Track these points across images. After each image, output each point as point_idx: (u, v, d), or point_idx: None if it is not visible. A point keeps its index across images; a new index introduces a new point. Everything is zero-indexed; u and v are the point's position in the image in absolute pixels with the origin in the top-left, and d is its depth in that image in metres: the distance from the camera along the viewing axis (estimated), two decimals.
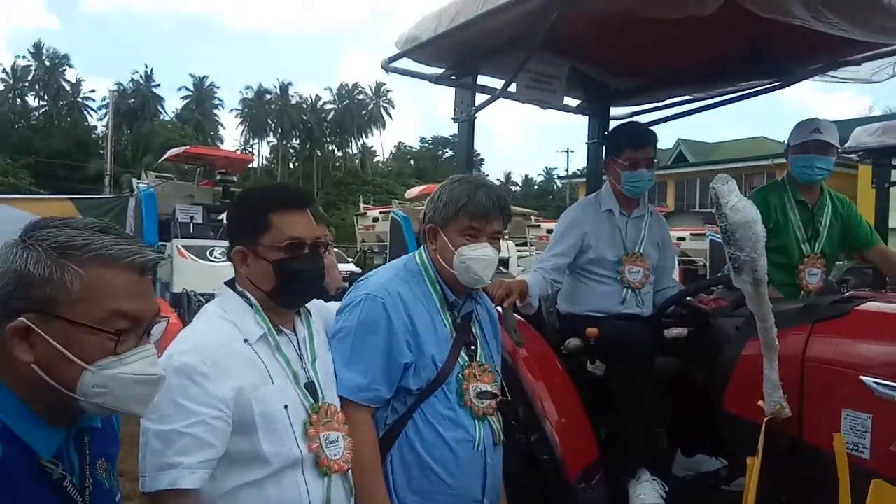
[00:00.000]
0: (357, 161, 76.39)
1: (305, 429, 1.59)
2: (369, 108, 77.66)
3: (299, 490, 1.55)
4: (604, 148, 3.38)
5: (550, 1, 2.35)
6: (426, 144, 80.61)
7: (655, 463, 2.61)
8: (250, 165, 72.51)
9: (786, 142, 3.13)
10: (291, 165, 76.21)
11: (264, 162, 77.28)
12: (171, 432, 1.43)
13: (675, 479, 2.67)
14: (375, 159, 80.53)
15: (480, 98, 3.22)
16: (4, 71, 67.08)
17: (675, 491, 2.53)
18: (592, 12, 2.54)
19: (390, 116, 78.69)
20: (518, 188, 79.85)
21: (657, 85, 3.43)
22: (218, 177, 9.81)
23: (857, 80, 2.96)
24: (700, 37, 2.78)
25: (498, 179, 79.36)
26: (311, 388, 1.66)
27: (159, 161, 12.47)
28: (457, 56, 3.10)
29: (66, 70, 69.91)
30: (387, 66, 3.14)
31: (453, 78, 3.24)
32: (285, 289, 1.65)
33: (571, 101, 3.79)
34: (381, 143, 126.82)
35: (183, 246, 8.07)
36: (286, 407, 1.58)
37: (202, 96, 74.55)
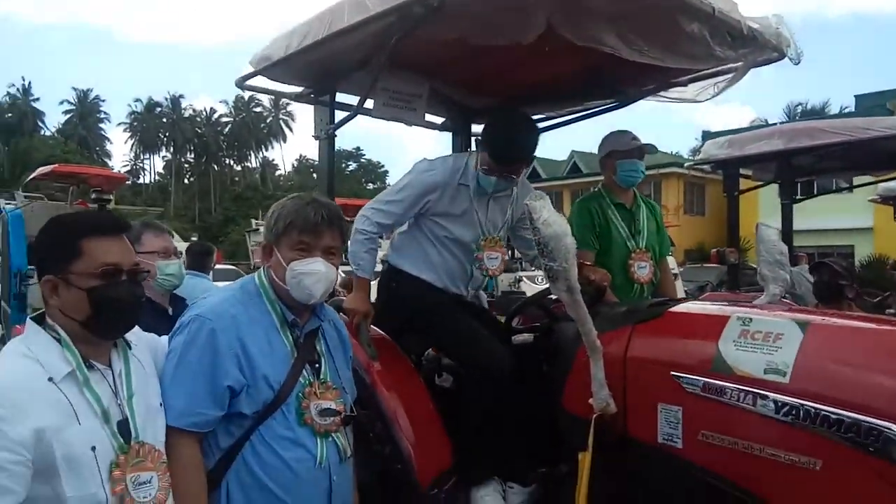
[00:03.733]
0: (257, 175, 74.57)
1: (111, 470, 1.54)
2: (268, 120, 76.09)
3: None
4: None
5: (388, 26, 2.44)
6: None
7: (511, 466, 2.73)
8: (142, 181, 69.58)
9: (601, 153, 3.42)
10: (186, 181, 73.40)
11: (157, 178, 74.09)
12: None
13: (529, 480, 2.78)
14: (277, 173, 78.95)
15: (341, 115, 3.29)
16: None
17: (525, 490, 2.67)
18: (435, 37, 2.65)
19: (290, 129, 77.45)
20: None
21: (512, 104, 3.60)
22: (93, 196, 9.33)
23: (684, 100, 3.23)
24: (542, 60, 2.95)
25: None
26: (123, 426, 1.60)
27: (27, 180, 11.70)
28: (312, 75, 3.15)
29: None
30: (241, 84, 3.15)
31: (312, 96, 3.29)
32: (101, 318, 1.59)
33: (436, 119, 3.91)
34: (283, 156, 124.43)
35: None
36: (93, 448, 1.51)
37: (86, 110, 70.69)
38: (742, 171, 5.84)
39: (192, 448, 1.81)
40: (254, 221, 21.34)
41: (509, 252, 3.08)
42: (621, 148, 3.31)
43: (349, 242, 2.74)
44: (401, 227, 3.03)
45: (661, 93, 3.29)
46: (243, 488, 1.85)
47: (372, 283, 2.91)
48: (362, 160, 75.95)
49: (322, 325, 2.10)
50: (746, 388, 1.92)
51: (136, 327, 1.79)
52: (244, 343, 1.87)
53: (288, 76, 3.15)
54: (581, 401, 2.28)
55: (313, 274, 1.93)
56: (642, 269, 3.24)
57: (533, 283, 15.08)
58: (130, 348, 1.74)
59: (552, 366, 2.69)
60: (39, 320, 1.64)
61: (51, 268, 1.60)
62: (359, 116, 3.24)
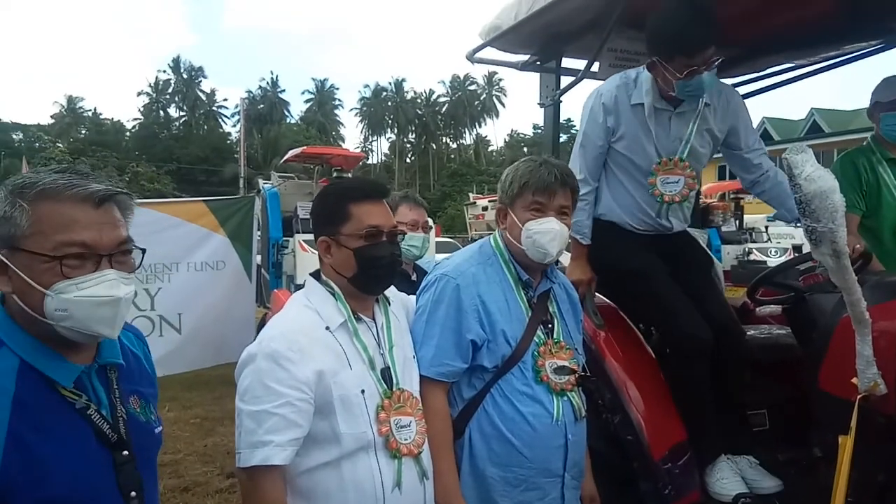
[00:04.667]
0: (471, 152, 77.04)
1: (378, 413, 1.68)
2: (482, 97, 78.07)
3: (372, 471, 1.64)
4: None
5: None
6: (539, 130, 79.70)
7: (752, 444, 2.54)
8: (369, 161, 75.50)
9: (870, 102, 2.93)
10: (408, 160, 78.10)
11: (383, 157, 79.74)
12: (262, 412, 1.56)
13: (775, 461, 2.58)
14: (489, 148, 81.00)
15: (566, 81, 3.25)
16: (149, 85, 73.64)
17: (772, 472, 2.47)
18: None
19: (503, 105, 78.79)
20: None
21: (752, 54, 3.28)
22: (334, 174, 10.32)
23: None
24: (787, 3, 2.65)
25: None
26: (386, 373, 1.74)
27: (281, 162, 13.33)
28: (539, 41, 3.15)
29: (201, 81, 75.73)
30: (471, 58, 3.24)
31: (538, 63, 3.29)
32: (365, 274, 1.75)
33: None
34: (495, 132, 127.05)
35: (304, 241, 8.52)
36: (363, 391, 1.67)
37: (323, 98, 78.24)
38: None
39: (440, 396, 1.93)
40: (471, 195, 22.15)
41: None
42: (885, 98, 2.85)
43: None
44: None
45: None
46: (484, 438, 1.94)
47: None
48: (573, 131, 74.96)
49: (553, 287, 2.12)
50: None
51: (393, 287, 1.96)
52: (483, 300, 1.96)
53: (515, 44, 3.19)
54: (841, 380, 2.04)
55: (548, 233, 1.96)
56: None
57: (765, 256, 13.81)
58: (389, 304, 1.90)
59: (804, 341, 2.44)
60: (317, 276, 1.84)
61: (325, 230, 1.79)
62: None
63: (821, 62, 3.26)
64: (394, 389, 1.74)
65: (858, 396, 1.95)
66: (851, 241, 2.43)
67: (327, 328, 1.71)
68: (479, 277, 2.00)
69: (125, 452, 1.26)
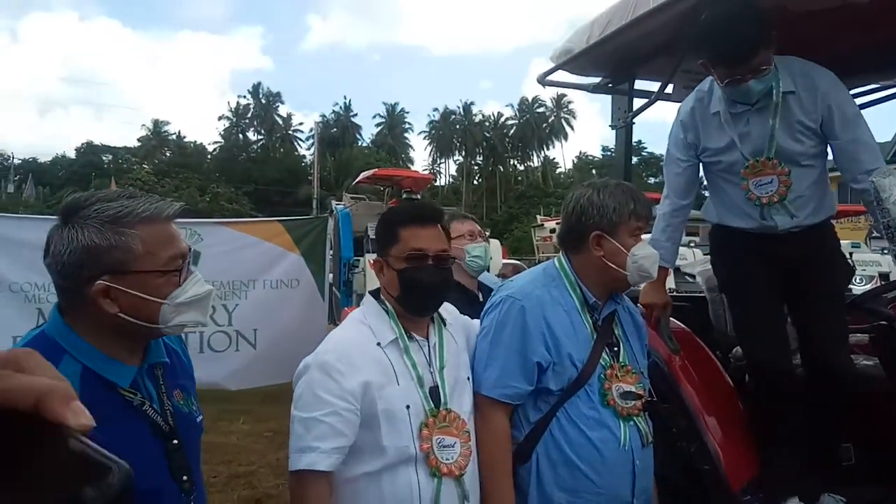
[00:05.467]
0: (539, 174, 76.77)
1: (421, 429, 1.72)
2: (550, 120, 77.86)
3: (411, 486, 1.68)
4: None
5: (698, 3, 2.33)
6: (608, 153, 78.79)
7: (836, 480, 2.43)
8: (437, 183, 76.37)
9: None
10: (476, 182, 78.50)
11: (450, 180, 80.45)
12: (311, 419, 1.64)
13: (861, 499, 2.45)
14: (557, 171, 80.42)
15: (638, 103, 3.23)
16: (230, 110, 77.09)
17: None
18: None
19: (571, 127, 78.35)
20: None
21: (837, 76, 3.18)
22: (404, 195, 10.54)
23: None
24: (873, 22, 2.57)
25: None
26: (434, 392, 1.77)
27: (353, 183, 13.75)
28: (612, 64, 3.14)
29: (278, 106, 78.73)
30: (542, 80, 3.26)
31: (609, 86, 3.29)
32: (408, 296, 1.79)
33: None
34: (563, 154, 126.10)
35: (374, 260, 8.72)
36: (408, 407, 1.71)
37: (394, 122, 79.85)
38: None
39: (502, 419, 1.93)
40: (538, 217, 22.07)
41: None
42: None
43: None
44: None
45: None
46: (551, 463, 1.92)
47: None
48: (643, 153, 73.81)
49: (617, 309, 2.10)
50: None
51: (455, 309, 1.99)
52: (549, 322, 1.95)
53: (587, 67, 3.19)
54: None
55: (650, 257, 1.99)
56: None
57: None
58: (445, 325, 1.93)
59: (893, 372, 2.32)
60: (376, 294, 1.90)
61: (380, 250, 1.87)
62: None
63: None
64: (440, 409, 1.77)
65: None
66: None
67: (378, 344, 1.77)
68: (545, 299, 1.99)
69: (175, 441, 1.40)
